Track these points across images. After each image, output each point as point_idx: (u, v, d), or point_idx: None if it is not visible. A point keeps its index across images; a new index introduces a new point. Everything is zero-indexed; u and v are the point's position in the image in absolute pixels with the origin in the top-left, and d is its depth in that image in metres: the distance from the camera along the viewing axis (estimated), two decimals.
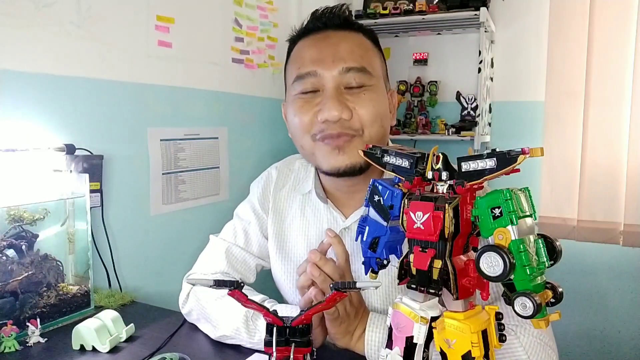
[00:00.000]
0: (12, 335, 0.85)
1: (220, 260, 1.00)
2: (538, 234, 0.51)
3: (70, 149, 1.12)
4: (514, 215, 0.48)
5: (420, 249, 0.54)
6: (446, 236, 0.52)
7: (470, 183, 0.53)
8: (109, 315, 0.89)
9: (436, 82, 2.22)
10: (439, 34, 2.22)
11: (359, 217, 0.84)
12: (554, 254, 0.52)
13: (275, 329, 0.60)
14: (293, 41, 0.94)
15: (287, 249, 1.00)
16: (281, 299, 1.04)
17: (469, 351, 0.51)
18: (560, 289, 0.50)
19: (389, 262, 0.61)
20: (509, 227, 0.48)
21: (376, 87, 0.87)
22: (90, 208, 1.08)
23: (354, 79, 0.84)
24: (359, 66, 0.84)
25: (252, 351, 0.83)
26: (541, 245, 0.50)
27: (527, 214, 0.51)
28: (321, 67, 0.84)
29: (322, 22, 0.90)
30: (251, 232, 1.03)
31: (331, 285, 0.59)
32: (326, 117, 0.82)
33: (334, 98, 0.83)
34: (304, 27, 0.92)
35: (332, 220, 0.95)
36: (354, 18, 2.01)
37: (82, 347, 0.85)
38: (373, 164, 0.63)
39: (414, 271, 0.56)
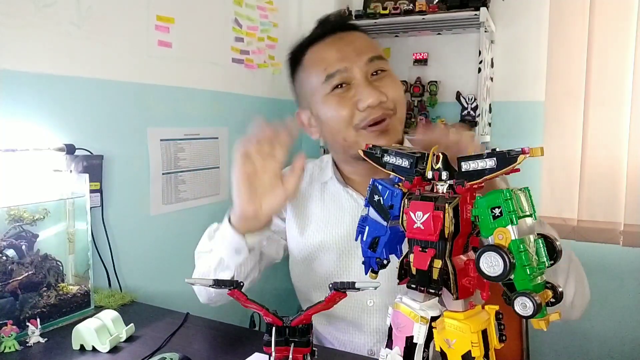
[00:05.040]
0: (12, 335, 0.85)
1: None
2: (538, 234, 0.51)
3: (70, 149, 1.12)
4: (513, 215, 0.48)
5: (420, 249, 0.54)
6: (446, 236, 0.52)
7: (470, 183, 0.53)
8: (109, 315, 0.89)
9: (436, 82, 2.21)
10: (439, 34, 2.22)
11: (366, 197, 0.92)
12: (554, 253, 0.52)
13: (274, 328, 0.60)
14: (301, 50, 0.98)
15: (307, 235, 1.03)
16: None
17: (469, 351, 0.51)
18: (560, 289, 0.50)
19: (389, 262, 0.61)
20: (509, 227, 0.48)
21: (392, 72, 0.97)
22: (90, 208, 1.08)
23: (377, 66, 0.93)
24: (378, 54, 0.94)
25: (252, 351, 0.83)
26: (541, 245, 0.51)
27: (527, 213, 0.51)
28: (348, 62, 0.91)
29: (329, 27, 0.97)
30: None
31: (330, 285, 0.59)
32: (369, 103, 0.88)
33: (369, 86, 0.90)
34: (314, 34, 0.97)
35: (352, 202, 1.00)
36: (354, 18, 2.04)
37: (82, 347, 0.85)
38: (373, 164, 0.64)
39: (414, 271, 0.56)
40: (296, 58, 0.99)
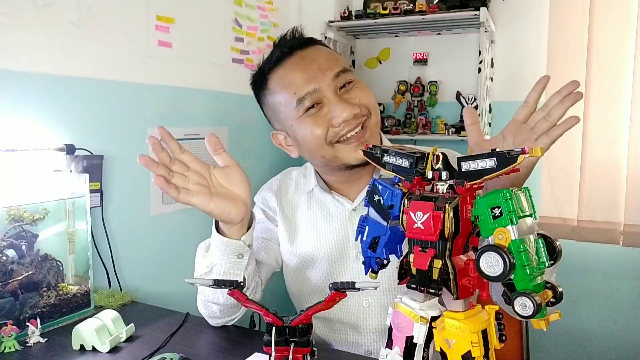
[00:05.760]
0: (12, 335, 0.85)
1: None
2: (538, 234, 0.51)
3: (70, 149, 1.12)
4: (513, 215, 0.48)
5: (420, 249, 0.54)
6: (446, 236, 0.52)
7: (470, 183, 0.53)
8: (109, 315, 0.89)
9: (436, 82, 2.21)
10: (439, 34, 2.22)
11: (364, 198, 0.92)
12: (554, 253, 0.52)
13: (274, 328, 0.60)
14: (263, 75, 0.97)
15: (298, 244, 1.03)
16: (281, 301, 1.05)
17: (469, 351, 0.51)
18: (560, 289, 0.50)
19: (389, 262, 0.61)
20: (509, 227, 0.48)
21: (359, 79, 0.97)
22: (90, 208, 1.08)
23: (344, 79, 0.93)
24: (342, 68, 0.93)
25: (252, 351, 0.83)
26: (541, 245, 0.50)
27: (527, 213, 0.51)
28: (316, 82, 0.91)
29: (288, 47, 0.96)
30: (266, 226, 1.06)
31: (330, 285, 0.59)
32: (343, 118, 0.89)
33: (340, 101, 0.90)
34: (274, 58, 0.96)
35: (339, 207, 1.00)
36: (354, 18, 2.04)
37: (82, 347, 0.85)
38: (373, 163, 0.64)
39: (414, 271, 0.56)
40: (260, 82, 0.98)
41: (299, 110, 0.91)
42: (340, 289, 0.58)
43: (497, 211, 0.49)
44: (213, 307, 0.92)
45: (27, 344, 0.87)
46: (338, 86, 0.92)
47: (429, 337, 0.55)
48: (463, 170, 0.53)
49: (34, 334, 0.88)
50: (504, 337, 0.54)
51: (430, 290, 0.54)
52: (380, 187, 0.60)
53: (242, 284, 0.61)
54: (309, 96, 0.90)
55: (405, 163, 0.59)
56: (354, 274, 0.96)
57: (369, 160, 0.64)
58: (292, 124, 0.94)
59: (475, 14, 1.87)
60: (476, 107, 2.00)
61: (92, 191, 1.17)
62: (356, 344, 0.97)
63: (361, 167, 0.94)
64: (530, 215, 0.51)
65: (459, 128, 2.04)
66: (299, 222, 1.04)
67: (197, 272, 0.91)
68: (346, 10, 2.08)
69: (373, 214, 0.61)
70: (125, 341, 0.89)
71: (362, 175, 0.98)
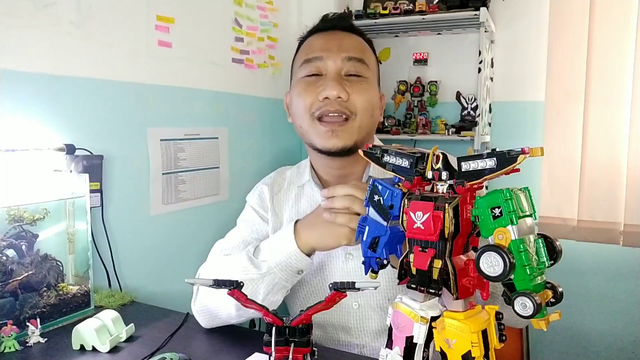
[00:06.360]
0: (12, 335, 0.85)
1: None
2: (538, 234, 0.51)
3: (70, 149, 1.12)
4: (514, 215, 0.48)
5: (420, 249, 0.54)
6: (446, 236, 0.52)
7: (470, 183, 0.53)
8: (109, 315, 0.89)
9: (436, 82, 2.21)
10: (439, 34, 2.22)
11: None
12: (554, 253, 0.52)
13: (274, 328, 0.60)
14: (303, 39, 1.05)
15: None
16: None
17: (469, 351, 0.51)
18: (560, 289, 0.51)
19: (389, 262, 0.61)
20: (509, 227, 0.48)
21: (371, 81, 0.97)
22: (90, 208, 1.08)
23: (354, 68, 0.95)
24: (359, 57, 0.95)
25: (252, 351, 0.83)
26: (541, 245, 0.51)
27: (527, 213, 0.51)
28: (326, 54, 0.95)
29: (331, 23, 1.02)
30: (258, 227, 1.05)
31: (330, 285, 0.59)
32: (327, 94, 0.91)
33: (334, 80, 0.92)
34: (315, 27, 1.04)
35: None
36: (354, 18, 2.04)
37: (82, 347, 0.85)
38: (373, 163, 0.64)
39: (414, 271, 0.56)
40: (299, 45, 1.05)
41: (302, 71, 0.96)
42: (340, 289, 0.58)
43: (497, 211, 0.49)
44: (231, 311, 0.88)
45: (27, 344, 0.87)
46: (346, 70, 0.94)
47: (429, 337, 0.55)
48: (463, 170, 0.53)
49: (34, 334, 0.88)
50: (504, 337, 0.54)
51: (430, 290, 0.54)
52: (380, 187, 0.60)
53: (241, 283, 0.61)
54: (314, 61, 0.95)
55: (405, 163, 0.59)
56: (343, 275, 0.96)
57: (367, 159, 0.64)
58: (293, 84, 1.00)
59: (475, 14, 1.87)
60: (476, 107, 2.00)
61: (92, 191, 1.17)
62: (349, 345, 0.97)
63: (337, 159, 0.95)
64: (530, 215, 0.51)
65: (459, 128, 2.04)
66: (286, 221, 1.02)
67: (245, 274, 0.85)
68: (346, 10, 2.08)
69: (373, 214, 0.61)
70: (125, 341, 0.89)
71: (350, 172, 0.99)
